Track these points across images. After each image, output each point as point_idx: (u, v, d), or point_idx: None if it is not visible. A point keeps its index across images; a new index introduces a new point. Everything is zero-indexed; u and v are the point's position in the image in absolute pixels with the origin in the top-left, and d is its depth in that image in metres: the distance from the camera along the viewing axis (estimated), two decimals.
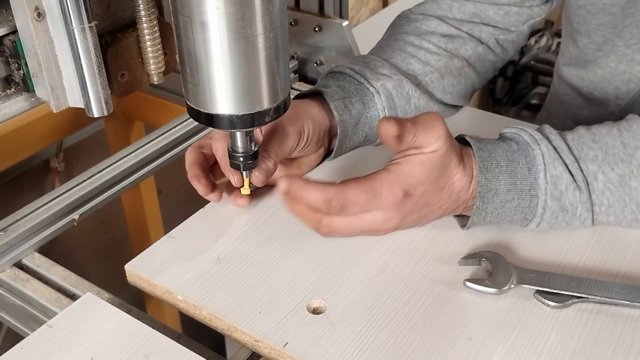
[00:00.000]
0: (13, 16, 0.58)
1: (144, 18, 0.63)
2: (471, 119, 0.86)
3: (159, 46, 0.65)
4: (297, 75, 1.04)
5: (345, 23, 0.98)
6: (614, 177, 0.63)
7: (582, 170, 0.63)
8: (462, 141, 0.66)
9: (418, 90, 0.77)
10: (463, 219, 0.67)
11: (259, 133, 0.69)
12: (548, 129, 0.66)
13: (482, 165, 0.63)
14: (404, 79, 0.76)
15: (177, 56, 0.58)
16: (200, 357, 0.55)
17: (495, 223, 0.66)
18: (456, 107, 0.84)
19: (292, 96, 0.66)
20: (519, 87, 2.39)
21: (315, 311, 0.59)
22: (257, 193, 0.72)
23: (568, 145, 0.64)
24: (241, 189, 0.67)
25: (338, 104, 0.72)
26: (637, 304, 0.59)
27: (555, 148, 0.63)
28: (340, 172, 0.75)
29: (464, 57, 0.81)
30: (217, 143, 0.68)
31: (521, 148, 0.64)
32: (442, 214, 0.66)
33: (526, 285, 0.60)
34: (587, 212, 0.64)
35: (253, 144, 0.64)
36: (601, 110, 0.89)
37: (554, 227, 0.65)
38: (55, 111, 0.62)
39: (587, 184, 0.63)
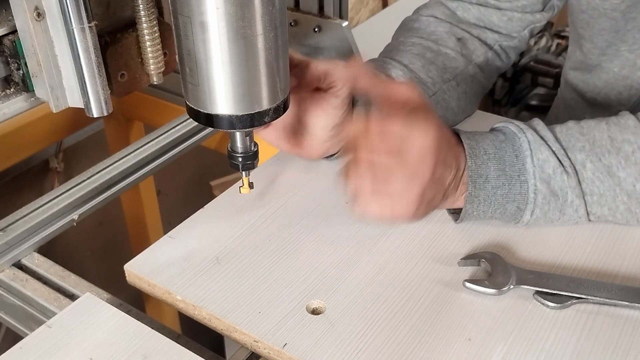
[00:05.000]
0: (13, 16, 0.58)
1: (143, 18, 0.63)
2: (471, 120, 0.86)
3: (158, 46, 0.65)
4: None
5: (345, 24, 0.98)
6: (601, 166, 0.64)
7: (569, 158, 0.64)
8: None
9: (435, 98, 0.76)
10: (456, 215, 0.67)
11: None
12: (536, 121, 0.67)
13: (470, 152, 0.64)
14: (424, 90, 0.75)
15: (176, 56, 0.58)
16: (200, 358, 0.55)
17: (489, 216, 0.66)
18: (465, 114, 0.84)
19: None
20: (518, 88, 2.39)
21: (315, 312, 0.59)
22: (256, 193, 0.72)
23: (555, 136, 0.65)
24: (241, 188, 0.67)
25: (359, 109, 0.72)
26: (636, 304, 0.59)
27: (542, 137, 0.65)
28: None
29: (476, 63, 0.82)
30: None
31: (508, 138, 0.66)
32: (447, 186, 0.64)
33: (525, 286, 0.60)
34: (579, 199, 0.64)
35: (253, 144, 0.64)
36: (604, 116, 0.89)
37: (548, 216, 0.65)
38: (54, 111, 0.62)
39: (576, 171, 0.64)
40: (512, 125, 0.66)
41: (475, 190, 0.64)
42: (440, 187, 0.64)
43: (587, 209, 0.65)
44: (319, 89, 0.68)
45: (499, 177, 0.64)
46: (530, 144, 0.64)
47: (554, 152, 0.64)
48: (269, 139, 0.71)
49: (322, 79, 0.66)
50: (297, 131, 0.71)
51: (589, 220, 0.66)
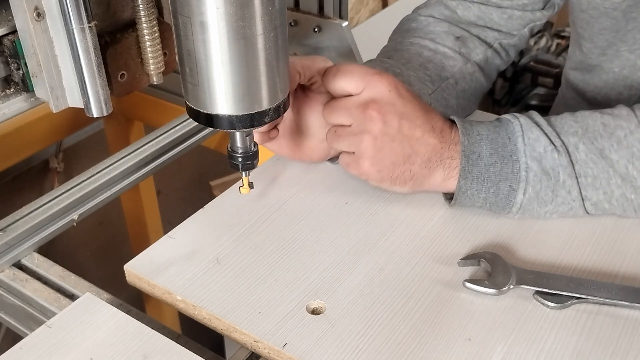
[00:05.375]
0: (13, 16, 0.58)
1: (143, 18, 0.63)
2: (470, 119, 0.85)
3: (158, 46, 0.65)
4: None
5: (345, 24, 0.98)
6: (594, 149, 0.65)
7: (562, 140, 0.65)
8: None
9: (434, 95, 0.76)
10: (452, 200, 0.68)
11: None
12: (532, 112, 0.68)
13: (464, 131, 0.66)
14: (422, 89, 0.75)
15: (176, 56, 0.58)
16: (200, 358, 0.55)
17: (482, 198, 0.66)
18: (465, 113, 0.84)
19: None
20: (518, 88, 2.39)
21: (315, 312, 0.59)
22: (256, 193, 0.72)
23: (549, 122, 0.67)
24: (241, 188, 0.67)
25: None
26: (636, 304, 0.59)
27: (535, 122, 0.67)
28: (341, 173, 0.75)
29: (475, 61, 0.82)
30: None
31: (502, 124, 0.68)
32: (429, 151, 0.66)
33: (525, 286, 0.60)
34: (571, 179, 0.65)
35: (252, 144, 0.64)
36: None
37: (541, 196, 0.65)
38: (54, 111, 0.62)
39: (568, 152, 0.65)
40: (507, 115, 0.68)
41: (468, 166, 0.65)
42: (414, 144, 0.65)
43: (581, 192, 0.65)
44: (305, 88, 0.69)
45: (492, 155, 0.65)
46: (522, 126, 0.66)
47: (545, 133, 0.65)
48: (269, 146, 0.72)
49: (302, 76, 0.67)
50: (296, 135, 0.72)
51: (586, 210, 0.66)
